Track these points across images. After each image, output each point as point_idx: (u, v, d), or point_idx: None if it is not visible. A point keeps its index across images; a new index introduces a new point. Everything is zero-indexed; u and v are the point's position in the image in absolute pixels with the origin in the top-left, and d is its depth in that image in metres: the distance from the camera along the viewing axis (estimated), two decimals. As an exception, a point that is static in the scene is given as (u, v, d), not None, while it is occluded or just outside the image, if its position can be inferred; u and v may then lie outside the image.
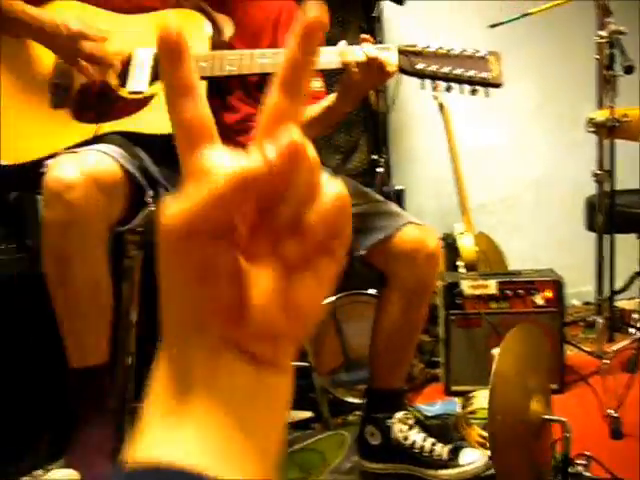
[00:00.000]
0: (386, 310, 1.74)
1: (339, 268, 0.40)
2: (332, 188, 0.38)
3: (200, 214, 0.36)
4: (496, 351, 1.66)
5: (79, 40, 1.57)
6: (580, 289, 3.13)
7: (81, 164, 1.41)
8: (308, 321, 0.40)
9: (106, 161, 1.46)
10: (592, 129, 2.27)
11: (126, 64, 1.64)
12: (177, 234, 0.36)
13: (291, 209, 0.38)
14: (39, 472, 1.83)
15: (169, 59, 0.39)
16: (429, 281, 1.73)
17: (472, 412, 2.03)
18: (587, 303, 3.18)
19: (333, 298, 2.26)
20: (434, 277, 1.76)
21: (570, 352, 2.56)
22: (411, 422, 1.79)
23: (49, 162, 1.43)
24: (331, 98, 1.69)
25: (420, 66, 1.53)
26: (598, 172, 2.36)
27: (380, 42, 2.36)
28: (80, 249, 1.41)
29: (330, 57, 1.56)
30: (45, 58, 1.66)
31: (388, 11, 2.49)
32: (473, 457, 1.75)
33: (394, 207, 1.76)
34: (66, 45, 1.58)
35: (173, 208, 0.36)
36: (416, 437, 1.76)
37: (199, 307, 0.38)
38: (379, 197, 1.80)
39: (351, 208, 0.39)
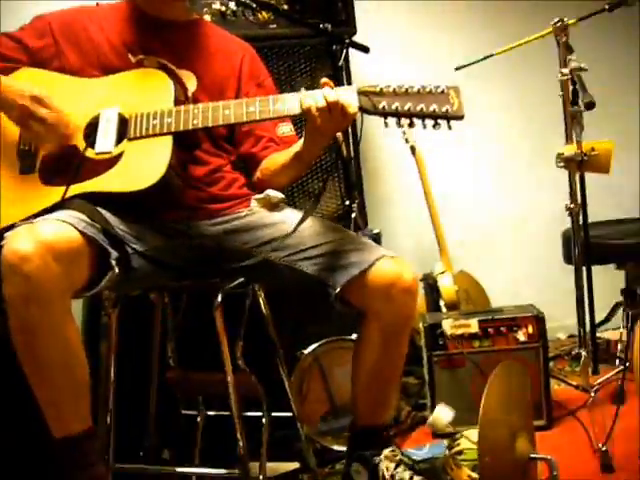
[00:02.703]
0: (366, 346, 1.72)
1: None
2: None
3: None
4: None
5: (35, 103, 1.59)
6: (564, 322, 3.13)
7: (36, 235, 1.40)
8: None
9: (62, 229, 1.45)
10: (562, 164, 2.30)
11: (93, 125, 1.65)
12: None
13: None
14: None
15: None
16: (407, 315, 1.70)
17: (459, 452, 2.00)
18: (572, 336, 3.18)
19: (315, 345, 2.25)
20: (412, 311, 1.73)
21: (557, 387, 2.56)
22: (398, 459, 1.76)
23: (7, 234, 1.42)
24: (299, 144, 1.71)
25: (382, 105, 1.54)
26: (571, 206, 2.39)
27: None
28: (44, 321, 1.40)
29: (291, 104, 1.58)
30: (12, 124, 1.66)
31: (355, 60, 2.54)
32: (462, 498, 1.72)
33: (367, 241, 1.75)
34: (19, 106, 1.59)
35: None
36: (404, 475, 1.73)
37: None
38: (351, 232, 1.80)
39: None
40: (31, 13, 1.81)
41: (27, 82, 1.65)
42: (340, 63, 2.03)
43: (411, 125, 1.57)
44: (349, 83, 2.36)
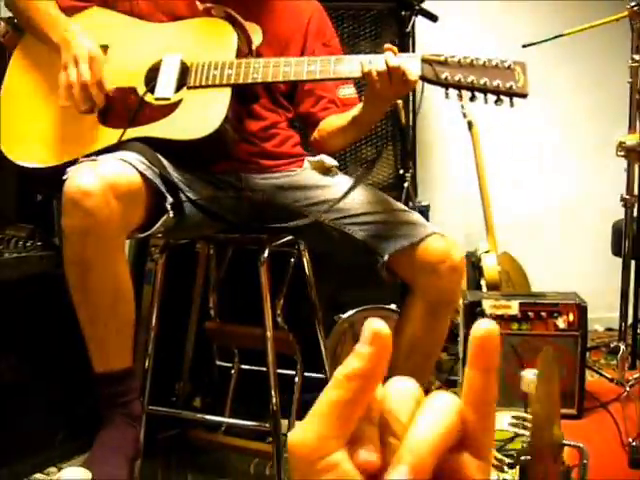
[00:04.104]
0: (408, 320, 1.71)
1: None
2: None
3: None
4: (526, 373, 1.65)
5: (81, 62, 1.59)
6: (603, 315, 3.09)
7: (99, 172, 1.42)
8: None
9: (124, 169, 1.46)
10: (622, 153, 2.25)
11: (155, 71, 1.65)
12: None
13: None
14: (52, 469, 1.85)
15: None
16: (452, 293, 1.70)
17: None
18: (609, 329, 3.13)
19: (352, 312, 2.26)
20: (457, 290, 1.73)
21: (591, 378, 2.53)
22: None
23: (69, 169, 1.44)
24: (357, 108, 1.69)
25: (444, 75, 1.50)
26: (626, 196, 2.34)
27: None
28: (98, 256, 1.42)
29: (352, 66, 1.55)
30: None
31: (421, 28, 2.49)
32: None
33: (419, 217, 1.74)
34: (65, 55, 1.60)
35: None
36: None
37: None
38: (403, 206, 1.78)
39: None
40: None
41: (92, 32, 1.64)
42: (407, 29, 1.99)
43: (472, 99, 1.53)
44: (414, 51, 2.32)
